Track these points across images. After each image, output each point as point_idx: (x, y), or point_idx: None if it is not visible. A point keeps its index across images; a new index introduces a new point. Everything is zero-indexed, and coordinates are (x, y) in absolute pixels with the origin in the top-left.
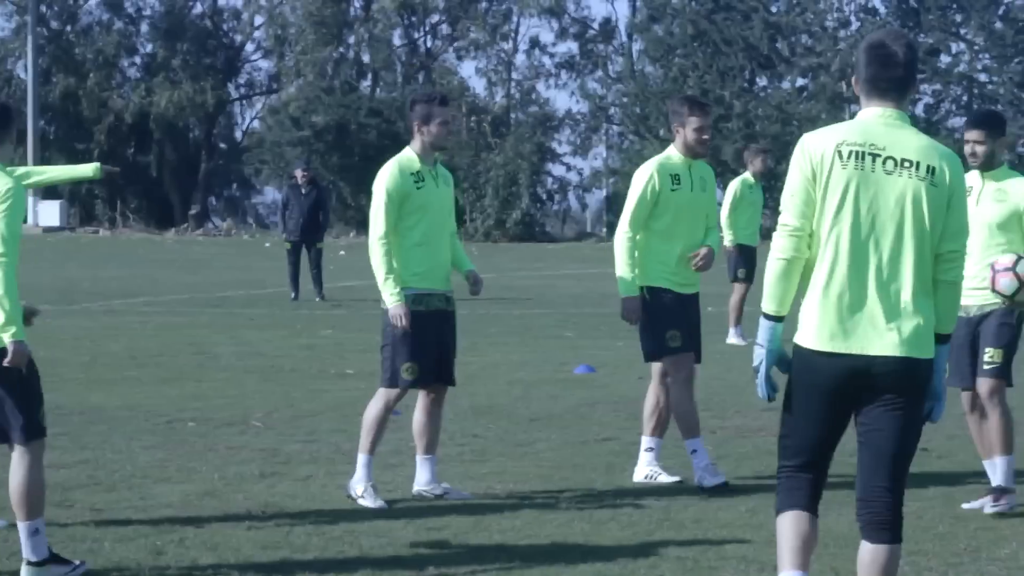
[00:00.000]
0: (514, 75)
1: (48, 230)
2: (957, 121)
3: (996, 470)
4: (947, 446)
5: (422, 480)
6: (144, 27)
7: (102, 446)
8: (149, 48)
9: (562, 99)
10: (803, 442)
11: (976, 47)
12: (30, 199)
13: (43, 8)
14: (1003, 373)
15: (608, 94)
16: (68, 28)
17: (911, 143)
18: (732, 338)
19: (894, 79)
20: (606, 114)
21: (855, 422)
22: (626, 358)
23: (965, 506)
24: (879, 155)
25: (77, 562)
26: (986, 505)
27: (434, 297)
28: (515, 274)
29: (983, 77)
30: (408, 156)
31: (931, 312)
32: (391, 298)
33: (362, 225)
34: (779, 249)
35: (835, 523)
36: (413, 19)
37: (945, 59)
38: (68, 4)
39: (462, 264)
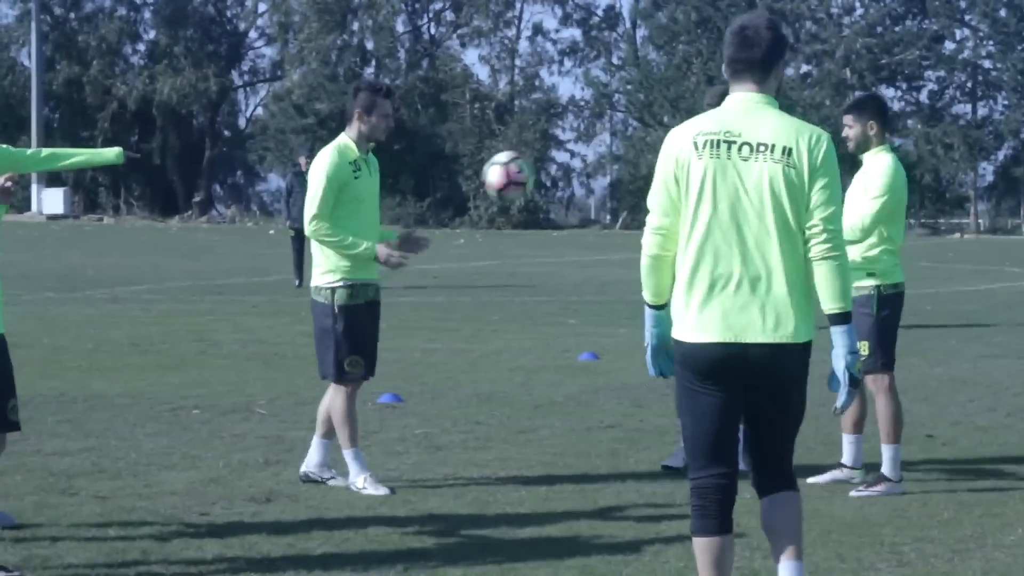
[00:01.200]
0: (518, 62)
1: (52, 217)
2: (961, 108)
3: (883, 457)
4: (951, 433)
5: (312, 462)
6: (147, 14)
7: (105, 434)
8: (152, 35)
9: (566, 86)
10: (697, 436)
11: (980, 34)
12: (34, 187)
13: None
14: (875, 364)
15: (612, 81)
16: (71, 15)
17: (768, 126)
18: None
19: (752, 60)
20: (610, 101)
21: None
22: (629, 345)
23: (809, 480)
24: (734, 142)
25: (15, 573)
26: (858, 488)
27: (369, 288)
28: (518, 261)
29: (987, 64)
30: (347, 144)
31: (805, 295)
32: (367, 251)
33: None
34: (646, 246)
35: (840, 510)
36: (417, 6)
37: (950, 45)
38: None
39: (392, 235)
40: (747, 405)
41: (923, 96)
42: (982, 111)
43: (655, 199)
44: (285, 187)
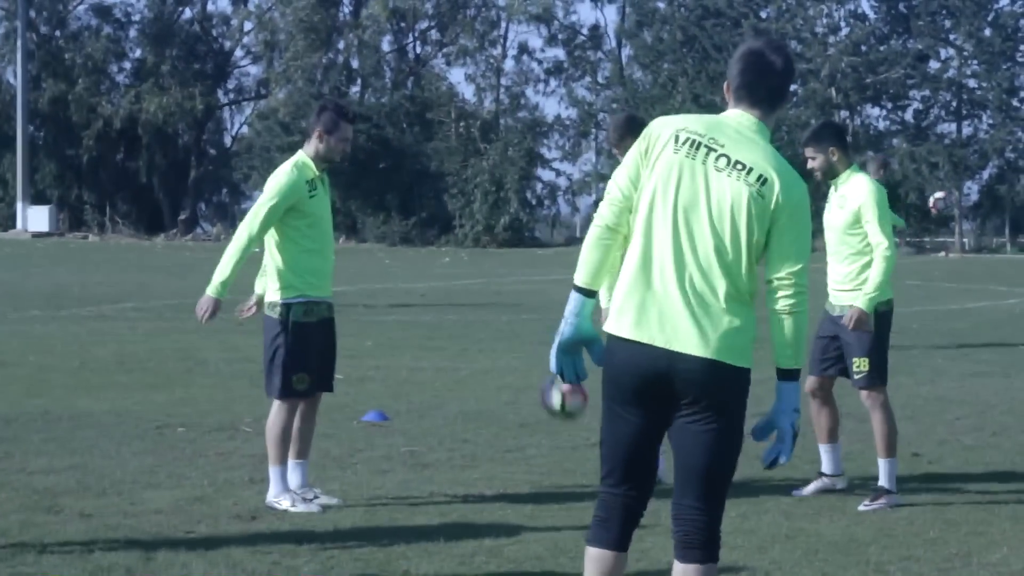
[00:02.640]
0: (503, 81)
1: (37, 235)
2: (946, 127)
3: (880, 471)
4: (937, 451)
5: (293, 484)
6: (133, 32)
7: (91, 451)
8: (138, 53)
9: (551, 105)
10: (613, 450)
11: (965, 53)
12: (19, 204)
13: (32, 13)
14: (873, 380)
15: (597, 100)
16: (57, 33)
17: (752, 150)
18: None
19: (768, 88)
20: (595, 119)
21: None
22: None
23: (794, 493)
24: (715, 150)
25: None
26: (862, 503)
27: (321, 306)
28: (504, 279)
29: (972, 83)
30: (305, 162)
31: (748, 321)
32: (212, 288)
33: (352, 230)
34: (600, 216)
35: (826, 529)
36: (402, 25)
37: (934, 65)
38: (57, 9)
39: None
40: (673, 429)
41: (908, 115)
42: (967, 130)
43: (622, 171)
44: None
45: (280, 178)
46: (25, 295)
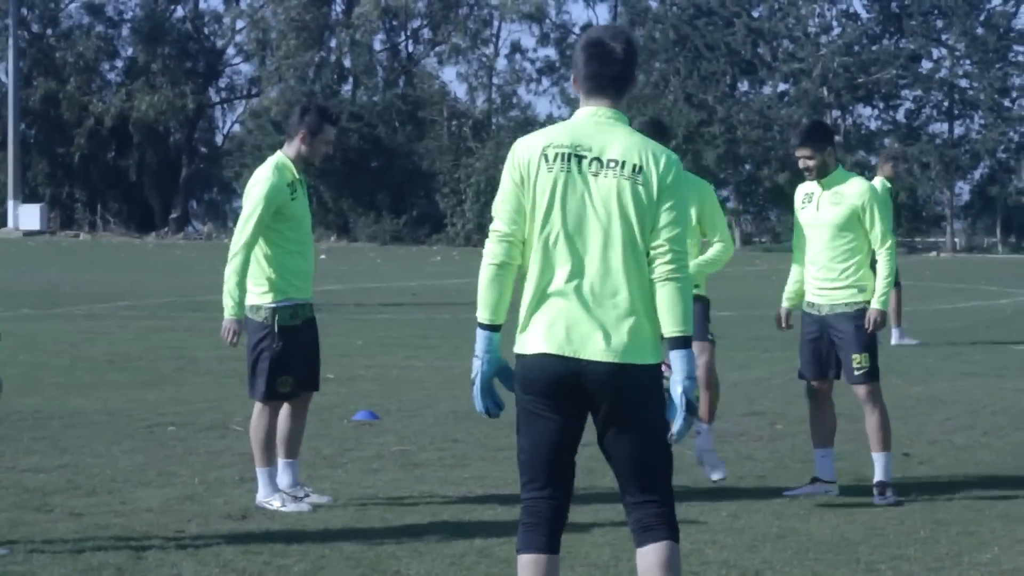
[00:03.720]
0: (495, 80)
1: (28, 234)
2: (938, 127)
3: (876, 466)
4: (928, 451)
5: (284, 484)
6: (125, 31)
7: (82, 450)
8: (130, 52)
9: (543, 104)
10: (534, 457)
11: (957, 53)
12: (10, 203)
13: (24, 11)
14: (874, 375)
15: None
16: (49, 32)
17: (619, 143)
18: (898, 339)
19: (613, 76)
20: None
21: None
22: None
23: (786, 493)
24: (585, 156)
25: None
26: (875, 498)
27: (305, 307)
28: None
29: (964, 83)
30: (284, 163)
31: (650, 316)
32: (230, 310)
33: (343, 229)
34: (490, 255)
35: (817, 528)
36: (394, 24)
37: (927, 64)
38: (49, 8)
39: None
40: (600, 436)
41: (900, 115)
42: (959, 130)
43: (502, 206)
44: None
45: (262, 186)
46: (16, 294)
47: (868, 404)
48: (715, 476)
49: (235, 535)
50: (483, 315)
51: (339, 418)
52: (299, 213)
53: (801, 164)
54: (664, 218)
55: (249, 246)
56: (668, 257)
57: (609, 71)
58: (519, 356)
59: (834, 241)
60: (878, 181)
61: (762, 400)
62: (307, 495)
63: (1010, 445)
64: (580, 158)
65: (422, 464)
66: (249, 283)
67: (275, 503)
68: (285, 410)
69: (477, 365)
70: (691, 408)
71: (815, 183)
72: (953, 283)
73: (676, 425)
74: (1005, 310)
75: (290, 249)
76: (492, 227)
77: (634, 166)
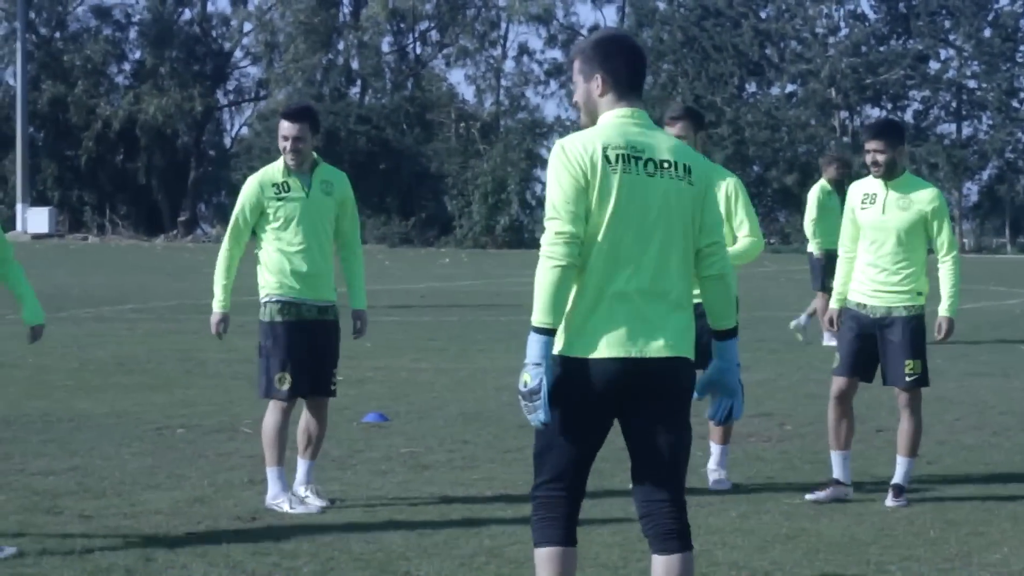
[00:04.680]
0: (503, 82)
1: (37, 237)
2: (946, 127)
3: (899, 469)
4: (937, 451)
5: (297, 481)
6: (133, 34)
7: (91, 453)
8: (138, 55)
9: (551, 106)
10: (563, 458)
11: (965, 53)
12: (19, 206)
13: (32, 15)
14: (924, 381)
15: None
16: (57, 35)
17: (664, 144)
18: (828, 340)
19: (643, 77)
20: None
21: (624, 434)
22: None
23: (808, 497)
24: (640, 157)
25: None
26: (889, 499)
27: (302, 307)
28: (503, 280)
29: (972, 83)
30: (274, 167)
31: (691, 312)
32: (214, 304)
33: None
34: (557, 256)
35: (827, 529)
36: (402, 26)
37: (934, 65)
38: (57, 11)
39: (351, 299)
40: (638, 433)
41: (908, 116)
42: (967, 131)
43: (566, 207)
44: None
45: (243, 188)
46: None
47: (908, 409)
48: (717, 487)
49: (245, 537)
50: (545, 319)
51: (348, 420)
52: (289, 213)
53: (870, 158)
54: (711, 216)
55: (229, 244)
56: (720, 255)
57: (643, 73)
58: (572, 358)
59: (899, 246)
60: (818, 188)
61: (770, 401)
62: (306, 497)
63: (1019, 445)
64: (636, 159)
65: (431, 466)
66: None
67: (284, 505)
68: (304, 412)
69: (538, 372)
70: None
71: (878, 183)
72: (962, 283)
73: (738, 411)
74: (1013, 310)
75: (281, 248)
76: (556, 228)
77: (685, 166)
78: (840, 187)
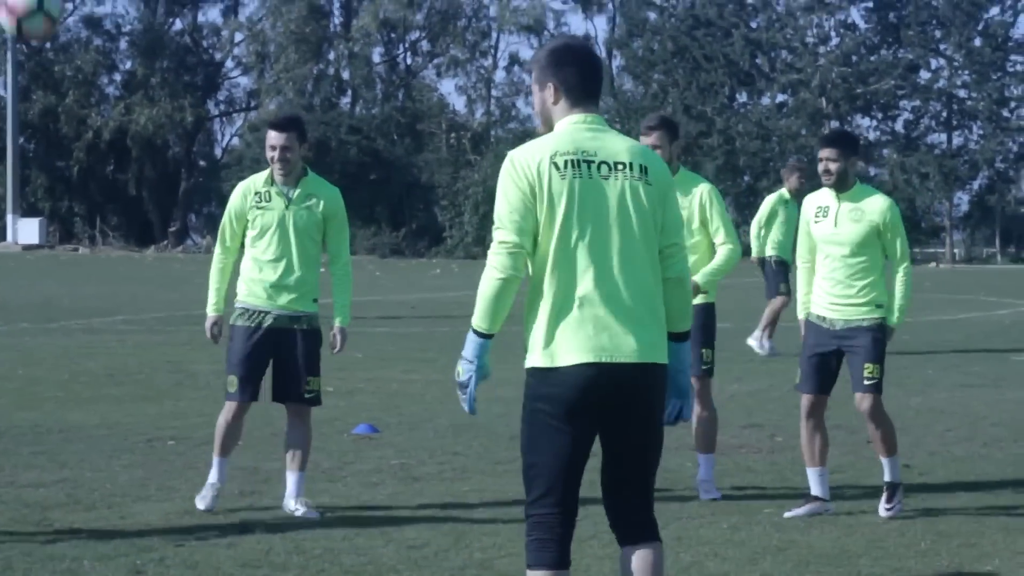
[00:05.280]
0: (494, 92)
1: (28, 247)
2: (936, 137)
3: (885, 469)
4: (928, 463)
5: (288, 493)
6: (123, 44)
7: (81, 465)
8: (128, 65)
9: None
10: (551, 472)
11: (955, 63)
12: (9, 217)
13: None
14: (879, 388)
15: None
16: (47, 45)
17: (619, 146)
18: (756, 344)
19: (598, 84)
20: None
21: (600, 438)
22: None
23: (787, 514)
24: (592, 161)
25: None
26: (880, 508)
27: (267, 316)
28: None
29: (962, 93)
30: (260, 175)
31: (662, 314)
32: (208, 309)
33: None
34: (498, 267)
35: (817, 540)
36: (393, 36)
37: (925, 75)
38: None
39: (334, 314)
40: (611, 437)
41: (898, 125)
42: (957, 140)
43: (510, 216)
44: None
45: (232, 195)
46: (15, 308)
47: (873, 416)
48: (706, 496)
49: (235, 549)
50: (483, 324)
51: (338, 431)
52: (266, 223)
53: (822, 167)
54: (671, 218)
55: (220, 251)
56: (679, 256)
57: (597, 79)
58: (544, 370)
59: (853, 258)
60: (774, 196)
61: (760, 412)
62: (296, 510)
63: (1010, 456)
64: (588, 163)
65: (422, 477)
66: None
67: (200, 502)
68: (287, 421)
69: (470, 369)
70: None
71: (830, 195)
72: (952, 294)
73: (688, 410)
74: (1004, 321)
75: (257, 257)
76: (499, 239)
77: (641, 167)
78: (801, 197)
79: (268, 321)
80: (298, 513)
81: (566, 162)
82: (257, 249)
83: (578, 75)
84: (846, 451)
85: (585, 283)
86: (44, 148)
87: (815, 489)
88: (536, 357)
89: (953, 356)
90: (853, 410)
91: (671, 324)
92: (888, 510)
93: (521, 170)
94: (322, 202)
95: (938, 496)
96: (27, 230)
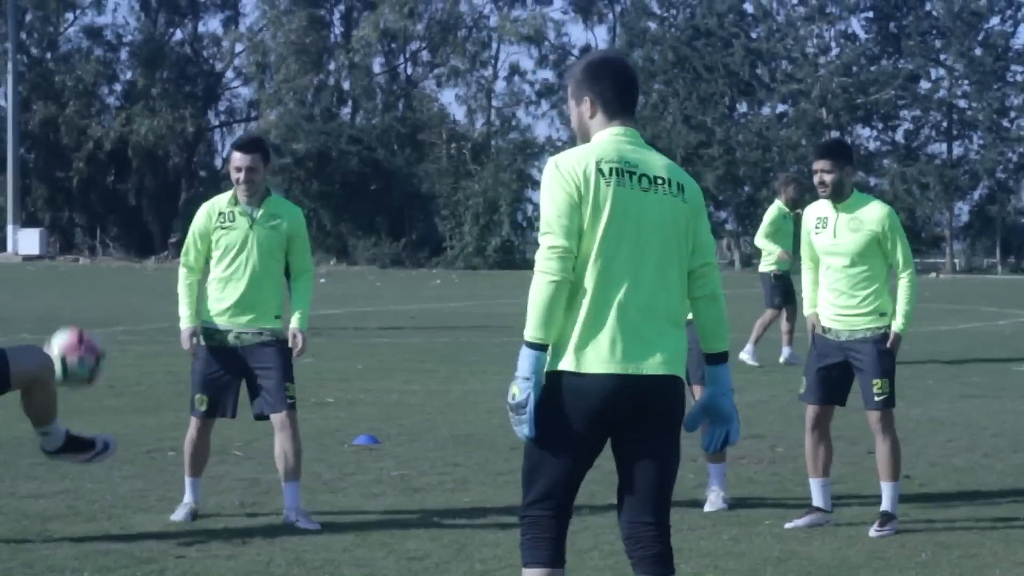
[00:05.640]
0: (494, 102)
1: (28, 258)
2: (936, 147)
3: (884, 495)
4: (929, 473)
5: (287, 505)
6: (124, 54)
7: (81, 476)
8: (129, 76)
9: (542, 126)
10: (554, 476)
11: (956, 73)
12: (9, 227)
13: (23, 35)
14: (891, 402)
15: None
16: (48, 55)
17: (657, 162)
18: (787, 357)
19: (634, 98)
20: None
21: (614, 453)
22: None
23: (788, 525)
24: (634, 172)
25: None
26: (872, 528)
27: (227, 334)
28: (495, 301)
29: (963, 103)
30: (223, 196)
31: (684, 331)
32: (182, 323)
33: (343, 252)
34: (551, 271)
35: (818, 551)
36: (393, 46)
37: (925, 85)
38: (48, 31)
39: (292, 318)
40: (629, 451)
41: (899, 135)
42: (957, 150)
43: (559, 221)
44: None
45: (196, 215)
46: (15, 318)
47: (880, 432)
48: (709, 508)
49: (235, 560)
50: (538, 334)
51: (339, 443)
52: (229, 242)
53: (817, 179)
54: (703, 236)
55: (184, 272)
56: (713, 275)
57: (633, 93)
58: (566, 373)
59: (854, 268)
60: (774, 210)
61: (762, 423)
62: (296, 522)
63: (1011, 467)
64: (630, 173)
65: (422, 489)
66: None
67: (177, 513)
68: (276, 434)
69: (527, 387)
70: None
71: (828, 206)
72: (952, 304)
73: (735, 435)
74: (1004, 331)
75: (220, 277)
76: (548, 243)
77: (678, 184)
78: (799, 207)
79: (233, 340)
80: (299, 524)
81: (611, 169)
82: (220, 269)
83: (614, 88)
84: (847, 462)
85: (622, 291)
86: (44, 158)
87: (817, 500)
88: (565, 361)
89: (953, 366)
90: (854, 421)
91: (707, 344)
92: (877, 532)
93: (568, 173)
94: (285, 222)
95: (939, 507)
96: (27, 241)
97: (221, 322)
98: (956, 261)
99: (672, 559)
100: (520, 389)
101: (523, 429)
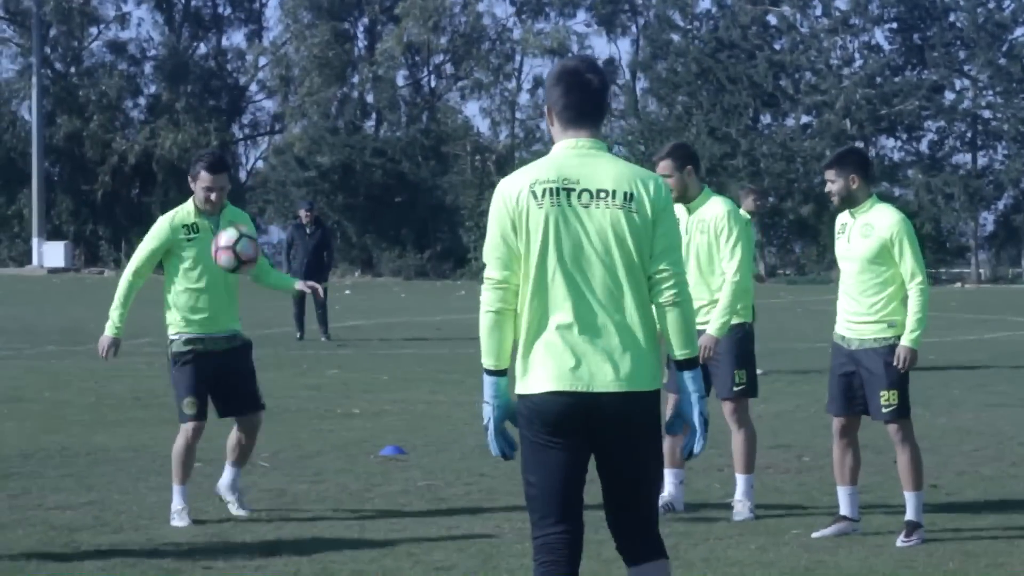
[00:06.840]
0: (518, 114)
1: (53, 271)
2: (961, 157)
3: (908, 505)
4: (956, 483)
5: (222, 483)
6: (148, 68)
7: (108, 487)
8: (153, 89)
9: None
10: (545, 492)
11: (980, 84)
12: (35, 240)
13: (47, 50)
14: (902, 412)
15: (612, 132)
16: (72, 70)
17: (607, 172)
18: None
19: (592, 106)
20: (610, 151)
21: (595, 463)
22: None
23: (815, 535)
24: (573, 189)
25: None
26: (898, 539)
27: (209, 340)
28: None
29: (987, 114)
30: (186, 209)
31: (653, 341)
32: (107, 329)
33: (368, 264)
34: (486, 303)
35: (845, 561)
36: (417, 59)
37: (950, 96)
38: (72, 46)
39: (286, 284)
40: (602, 463)
41: (923, 146)
42: (982, 160)
43: (492, 253)
44: (286, 240)
45: (156, 224)
46: (41, 331)
47: (899, 442)
48: (737, 518)
49: (263, 571)
50: (487, 361)
51: (365, 453)
52: (196, 255)
53: (826, 188)
54: (661, 243)
55: (132, 279)
56: (671, 282)
57: (589, 101)
58: (523, 396)
59: (864, 274)
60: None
61: (787, 433)
62: (230, 503)
63: None
64: (569, 191)
65: (449, 499)
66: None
67: (175, 520)
68: (235, 426)
69: (488, 410)
70: (706, 424)
71: (847, 213)
72: (978, 314)
73: (699, 444)
74: None
75: (187, 287)
76: (485, 274)
77: (626, 194)
78: (760, 218)
79: (210, 345)
80: (227, 500)
81: (544, 191)
82: (190, 279)
83: (566, 97)
84: (874, 471)
85: (562, 313)
86: (69, 172)
87: (844, 508)
88: (521, 384)
89: (979, 375)
90: (880, 430)
91: (670, 350)
92: (904, 542)
93: (504, 202)
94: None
95: (966, 516)
96: (52, 253)
97: (200, 331)
98: (981, 271)
99: (661, 545)
100: (483, 412)
101: (490, 448)
